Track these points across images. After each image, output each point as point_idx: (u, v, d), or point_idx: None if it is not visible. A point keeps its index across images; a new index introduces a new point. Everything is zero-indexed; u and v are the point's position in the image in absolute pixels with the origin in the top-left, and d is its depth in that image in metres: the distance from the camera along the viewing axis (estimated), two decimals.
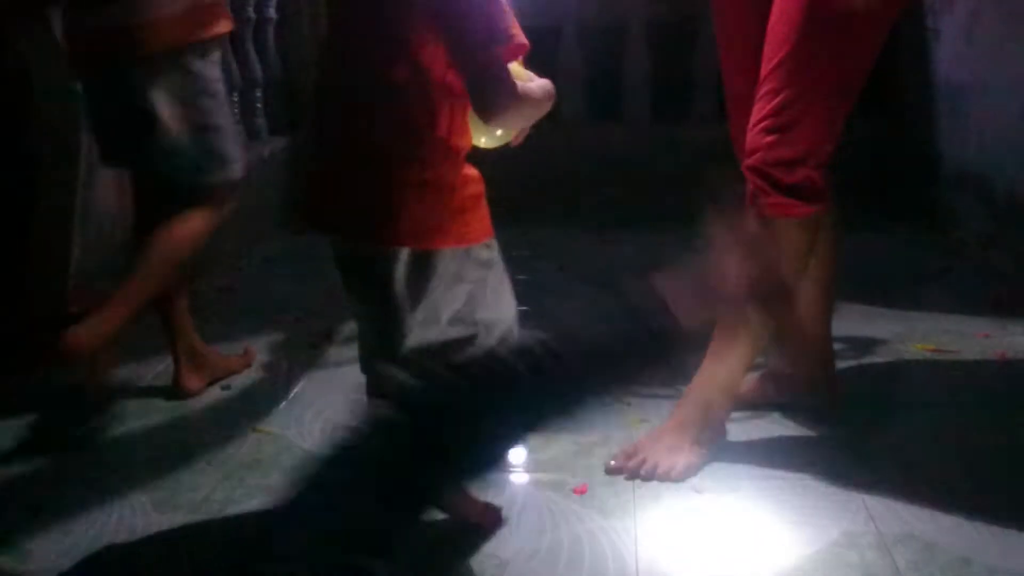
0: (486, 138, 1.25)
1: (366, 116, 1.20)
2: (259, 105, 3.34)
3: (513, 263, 1.32)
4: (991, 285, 2.45)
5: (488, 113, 1.17)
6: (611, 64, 3.48)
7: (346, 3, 1.25)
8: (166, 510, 1.45)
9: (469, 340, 1.24)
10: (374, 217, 1.20)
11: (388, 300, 1.23)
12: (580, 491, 1.49)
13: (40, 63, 2.13)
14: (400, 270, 1.21)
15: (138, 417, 1.79)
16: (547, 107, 1.25)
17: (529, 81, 1.24)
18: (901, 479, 1.50)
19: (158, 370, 2.01)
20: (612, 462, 1.56)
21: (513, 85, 1.17)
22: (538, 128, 1.29)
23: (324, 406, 1.82)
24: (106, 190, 2.29)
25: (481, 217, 1.25)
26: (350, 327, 2.22)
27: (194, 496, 1.48)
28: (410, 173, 1.18)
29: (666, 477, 1.52)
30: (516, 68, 1.22)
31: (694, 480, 1.52)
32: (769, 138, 1.45)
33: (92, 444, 1.68)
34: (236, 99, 3.14)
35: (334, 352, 2.10)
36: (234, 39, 3.13)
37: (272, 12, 3.42)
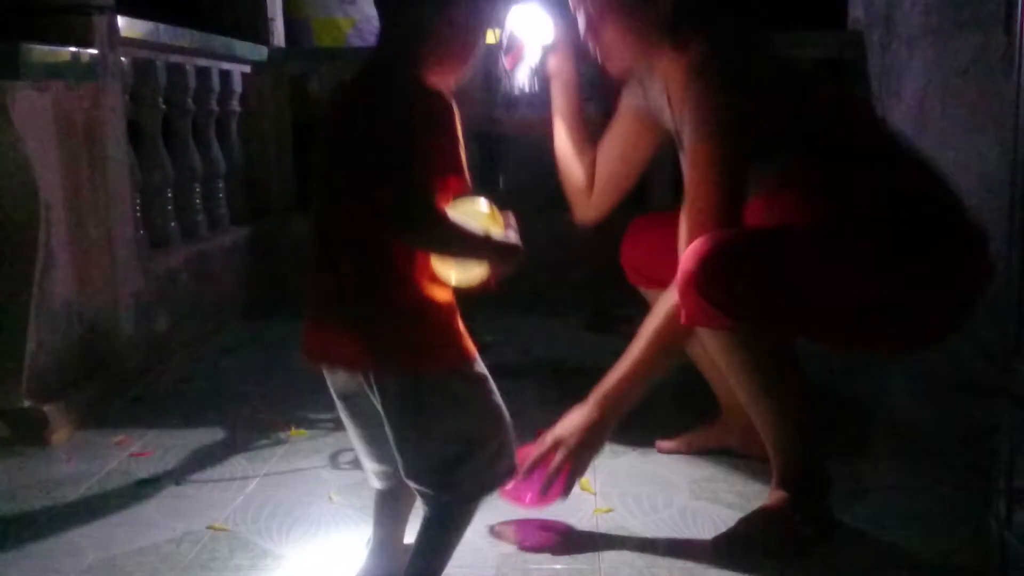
0: (455, 276, 1.29)
1: (341, 255, 1.27)
2: (221, 195, 3.35)
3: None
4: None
5: (400, 234, 1.24)
6: None
7: (321, 148, 1.32)
8: None
9: (463, 457, 1.29)
10: (359, 349, 1.27)
11: (381, 425, 1.30)
12: None
13: (0, 158, 2.13)
14: (389, 397, 1.27)
15: (90, 510, 1.74)
16: (506, 258, 1.29)
17: (500, 226, 1.29)
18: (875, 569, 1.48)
19: (111, 466, 1.96)
20: (716, 538, 1.58)
21: (431, 209, 1.21)
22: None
23: (281, 501, 1.77)
24: (63, 283, 2.26)
25: (460, 342, 1.30)
26: (308, 418, 2.20)
27: None
28: (387, 308, 1.25)
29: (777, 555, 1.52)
30: (490, 212, 1.29)
31: (660, 572, 1.49)
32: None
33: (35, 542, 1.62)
34: (198, 189, 3.15)
35: (292, 445, 2.06)
36: (196, 131, 3.16)
37: (235, 105, 3.46)
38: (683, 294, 1.53)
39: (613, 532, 1.62)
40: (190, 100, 3.04)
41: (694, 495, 1.77)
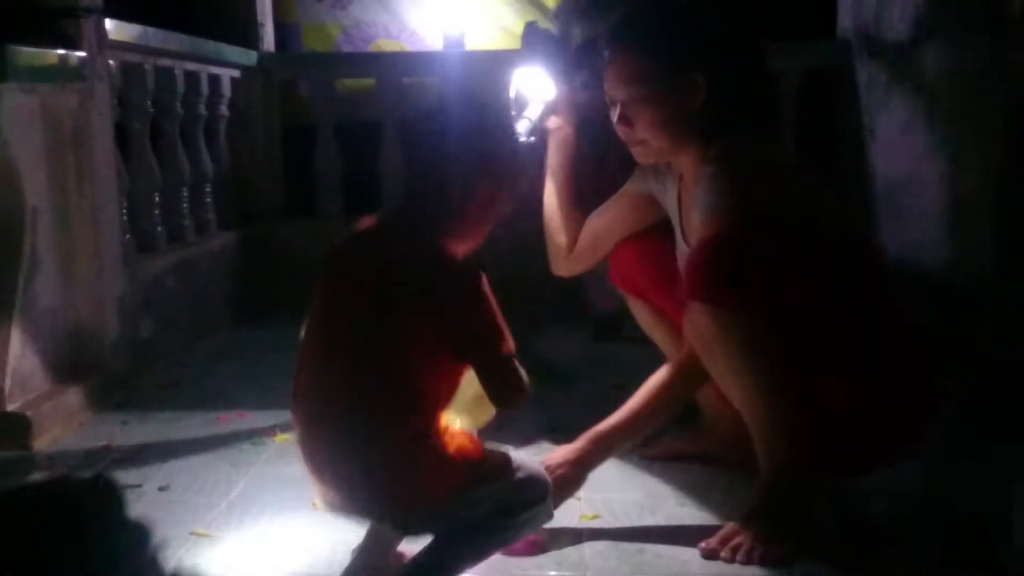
0: (465, 420, 1.44)
1: (352, 413, 1.34)
2: (208, 200, 3.34)
3: None
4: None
5: (508, 408, 1.41)
6: None
7: (331, 299, 1.39)
8: None
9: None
10: (382, 502, 1.38)
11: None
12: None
13: None
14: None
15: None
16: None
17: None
18: None
19: (94, 471, 1.95)
20: (703, 544, 1.56)
21: (524, 381, 1.37)
22: None
23: (265, 507, 1.76)
24: (48, 288, 2.25)
25: (467, 458, 1.39)
26: (293, 424, 2.18)
27: None
28: (407, 459, 1.34)
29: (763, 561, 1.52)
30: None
31: None
32: None
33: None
34: (186, 194, 3.14)
35: (277, 451, 2.06)
36: (185, 135, 3.15)
37: (224, 110, 3.46)
38: (695, 267, 1.56)
39: (599, 539, 1.61)
40: (179, 104, 3.04)
41: (680, 502, 1.77)
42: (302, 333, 1.42)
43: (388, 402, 1.33)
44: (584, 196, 2.04)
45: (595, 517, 1.70)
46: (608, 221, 2.00)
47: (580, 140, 1.99)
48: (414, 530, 1.42)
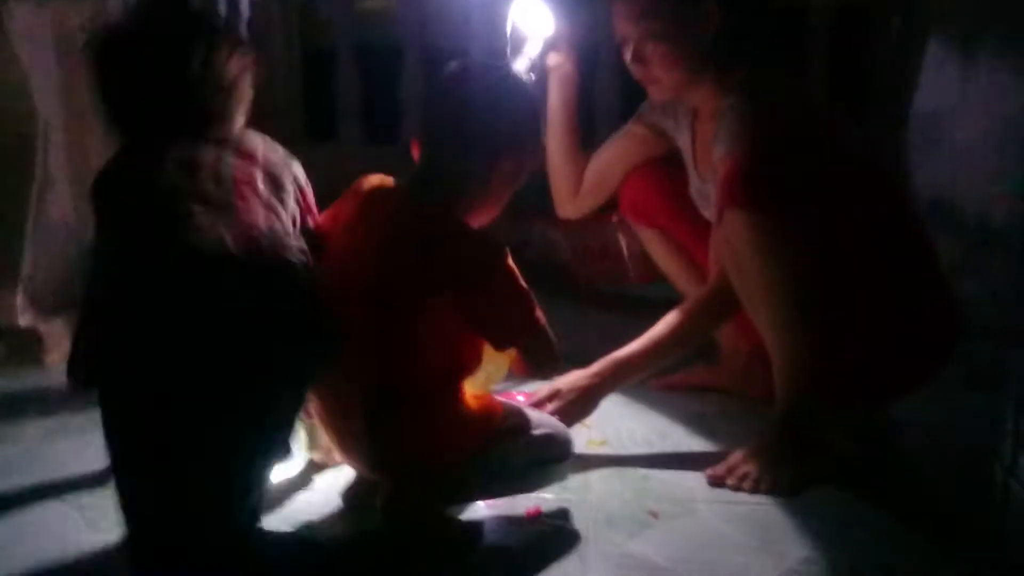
0: (489, 383, 1.46)
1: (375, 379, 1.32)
2: None
3: None
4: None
5: (541, 374, 1.45)
6: None
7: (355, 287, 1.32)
8: None
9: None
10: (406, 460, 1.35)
11: None
12: (532, 513, 1.44)
13: None
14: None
15: (80, 430, 1.73)
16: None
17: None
18: (865, 509, 1.47)
19: None
20: (710, 472, 1.55)
21: (557, 348, 1.38)
22: None
23: None
24: (60, 203, 2.24)
25: (486, 413, 1.40)
26: None
27: None
28: (427, 420, 1.33)
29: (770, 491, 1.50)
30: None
31: (650, 503, 1.47)
32: None
33: None
34: None
35: None
36: None
37: (244, 30, 3.39)
38: (735, 174, 1.52)
39: (605, 464, 1.60)
40: None
41: (690, 431, 1.75)
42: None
43: (411, 370, 1.32)
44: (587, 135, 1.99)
45: (603, 443, 1.69)
46: (614, 157, 1.95)
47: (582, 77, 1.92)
48: (425, 504, 1.38)
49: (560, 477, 1.48)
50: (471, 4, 3.44)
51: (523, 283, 1.34)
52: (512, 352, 1.38)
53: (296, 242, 1.23)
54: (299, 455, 1.51)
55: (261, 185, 1.26)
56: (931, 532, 1.41)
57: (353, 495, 1.47)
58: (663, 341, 1.65)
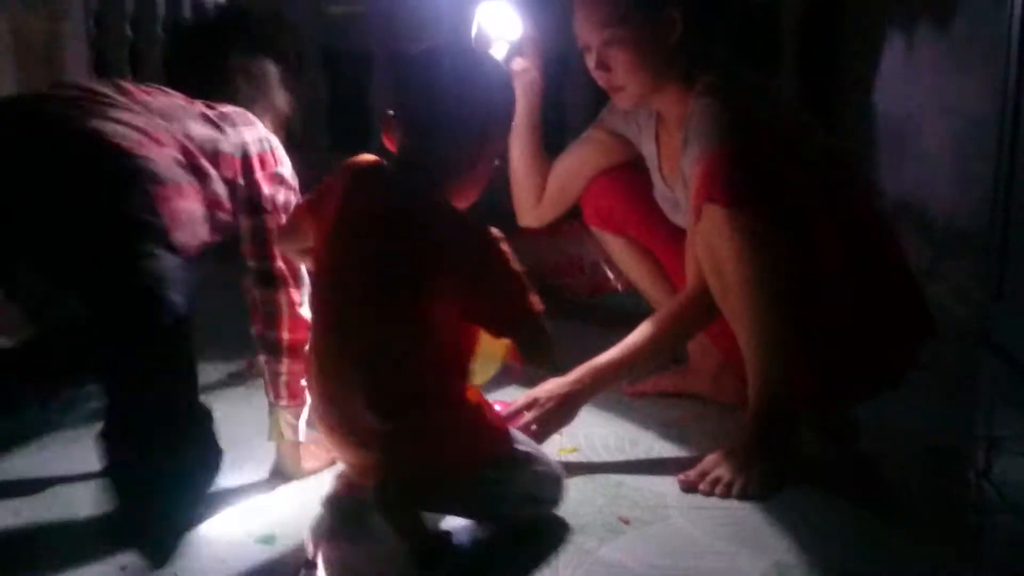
0: (482, 377, 1.40)
1: (376, 369, 1.29)
2: None
3: None
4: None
5: (537, 364, 1.37)
6: None
7: (348, 270, 1.32)
8: None
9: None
10: (409, 460, 1.30)
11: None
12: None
13: None
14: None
15: (36, 445, 1.69)
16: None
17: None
18: (839, 510, 1.46)
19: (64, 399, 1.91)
20: (682, 477, 1.53)
21: (551, 339, 1.33)
22: None
23: (235, 439, 1.71)
24: None
25: (494, 431, 1.37)
26: None
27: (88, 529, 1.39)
28: (435, 418, 1.30)
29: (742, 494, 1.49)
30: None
31: (622, 510, 1.45)
32: None
33: None
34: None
35: (253, 384, 2.02)
36: None
37: None
38: (713, 170, 1.51)
39: (577, 472, 1.57)
40: (159, 29, 2.94)
41: (661, 436, 1.74)
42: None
43: (411, 363, 1.29)
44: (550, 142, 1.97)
45: (574, 451, 1.67)
46: (576, 164, 1.93)
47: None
48: (414, 500, 1.32)
49: (543, 515, 1.42)
50: (438, 8, 3.43)
51: (518, 267, 1.31)
52: (505, 343, 1.35)
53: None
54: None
55: (179, 135, 1.46)
56: (903, 534, 1.40)
57: (336, 503, 1.42)
58: (641, 348, 1.64)
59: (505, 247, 1.31)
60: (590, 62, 1.68)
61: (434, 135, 1.33)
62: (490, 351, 1.37)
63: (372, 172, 1.37)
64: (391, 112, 1.38)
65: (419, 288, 1.27)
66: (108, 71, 2.72)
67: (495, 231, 1.31)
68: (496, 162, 1.41)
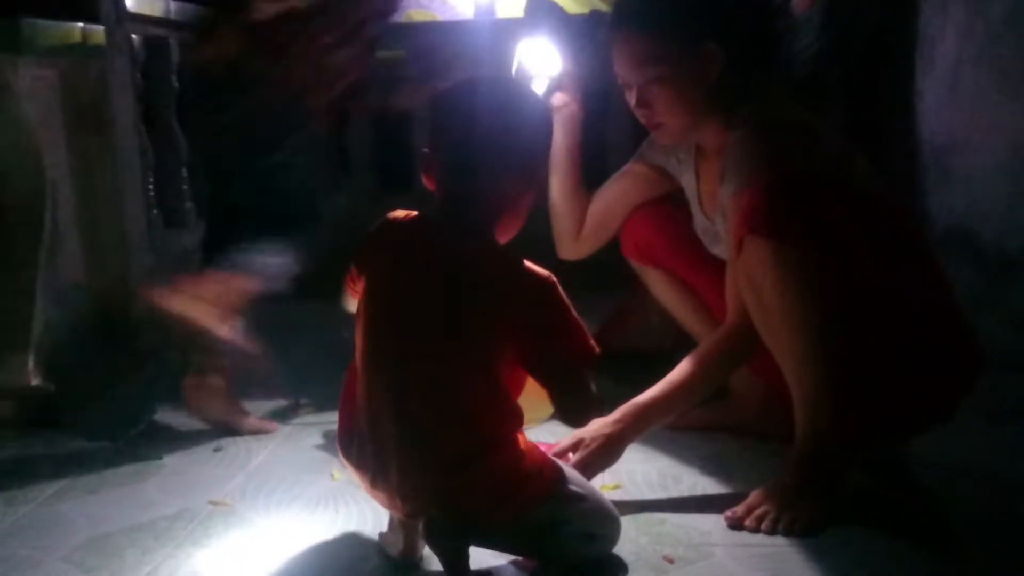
0: (536, 422, 1.45)
1: (431, 419, 1.25)
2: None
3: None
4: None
5: (574, 423, 1.38)
6: None
7: (404, 313, 1.29)
8: None
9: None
10: (462, 505, 1.27)
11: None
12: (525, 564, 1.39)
13: (5, 136, 2.11)
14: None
15: (90, 489, 1.72)
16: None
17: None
18: (889, 548, 1.42)
19: (116, 444, 1.94)
20: (728, 514, 1.50)
21: (596, 398, 1.31)
22: None
23: (283, 478, 1.74)
24: (70, 261, 2.25)
25: (550, 471, 1.33)
26: (315, 398, 2.17)
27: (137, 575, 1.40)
28: (490, 463, 1.27)
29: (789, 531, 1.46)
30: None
31: (666, 548, 1.43)
32: None
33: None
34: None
35: (297, 425, 2.04)
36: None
37: None
38: (757, 203, 1.49)
39: (619, 509, 1.54)
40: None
41: (704, 471, 1.71)
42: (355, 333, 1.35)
43: (475, 415, 1.26)
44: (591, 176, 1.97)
45: (617, 487, 1.65)
46: (615, 198, 1.93)
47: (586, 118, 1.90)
48: (464, 537, 1.30)
49: (599, 553, 1.39)
50: (479, 46, 3.47)
51: (575, 316, 1.28)
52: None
53: None
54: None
55: None
56: (956, 572, 1.36)
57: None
58: (684, 384, 1.61)
59: (561, 294, 1.27)
60: (631, 99, 1.68)
61: (474, 171, 1.30)
62: (539, 395, 1.36)
63: (417, 223, 1.33)
64: (427, 150, 1.35)
65: (483, 340, 1.24)
66: (156, 122, 2.79)
67: (551, 276, 1.28)
68: (541, 182, 1.39)
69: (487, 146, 1.29)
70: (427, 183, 1.36)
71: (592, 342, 1.29)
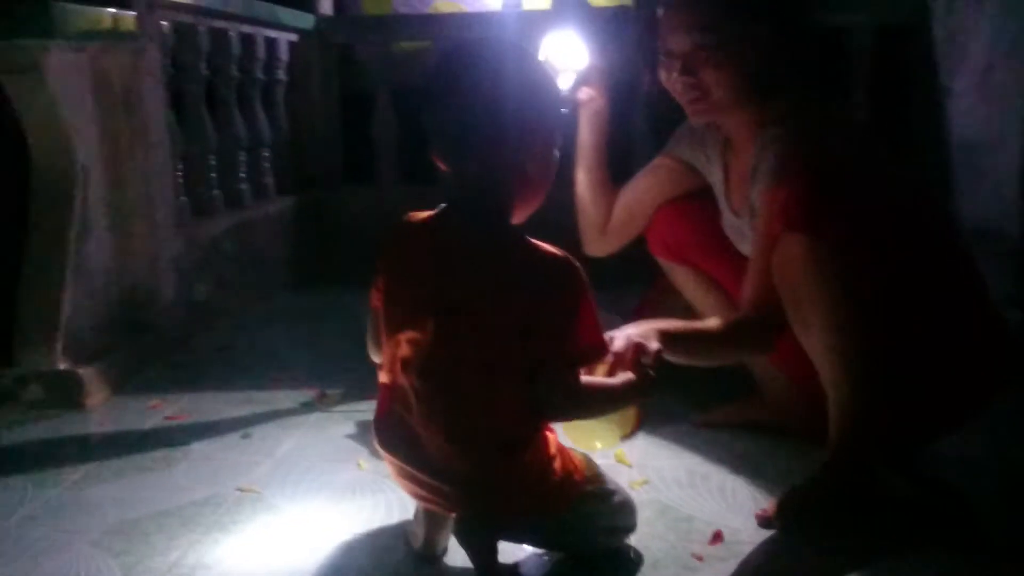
0: (601, 442, 1.44)
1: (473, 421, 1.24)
2: (267, 164, 3.34)
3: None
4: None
5: (546, 415, 1.26)
6: None
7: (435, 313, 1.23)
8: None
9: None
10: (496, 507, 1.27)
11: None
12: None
13: (36, 120, 2.12)
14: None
15: (118, 473, 1.72)
16: (631, 401, 1.40)
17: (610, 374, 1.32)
18: (919, 547, 1.41)
19: (144, 430, 1.95)
20: (759, 512, 1.49)
21: (576, 391, 1.25)
22: None
23: (310, 466, 1.74)
24: (99, 248, 2.26)
25: (576, 470, 1.32)
26: (343, 387, 2.17)
27: (164, 560, 1.40)
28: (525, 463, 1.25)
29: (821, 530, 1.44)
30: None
31: (694, 546, 1.42)
32: None
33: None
34: (243, 158, 3.13)
35: (325, 413, 2.04)
36: (242, 99, 3.14)
37: (282, 74, 3.44)
38: (793, 197, 1.47)
39: (647, 506, 1.55)
40: (234, 67, 3.02)
41: (734, 470, 1.70)
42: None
43: (509, 411, 1.23)
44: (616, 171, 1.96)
45: (644, 483, 1.64)
46: (643, 193, 1.92)
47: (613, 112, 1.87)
48: (494, 534, 1.29)
49: (620, 544, 1.40)
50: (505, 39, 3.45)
51: (590, 311, 1.24)
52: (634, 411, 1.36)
53: None
54: None
55: None
56: (987, 572, 1.34)
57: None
58: (710, 333, 1.56)
59: (582, 277, 1.22)
60: (673, 70, 1.64)
61: (470, 150, 1.21)
62: (620, 416, 1.35)
63: (432, 217, 1.29)
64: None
65: (516, 335, 1.20)
66: (185, 109, 2.79)
67: (574, 262, 1.23)
68: (556, 159, 1.28)
69: (476, 113, 1.19)
70: (441, 168, 1.28)
71: (603, 338, 1.28)
